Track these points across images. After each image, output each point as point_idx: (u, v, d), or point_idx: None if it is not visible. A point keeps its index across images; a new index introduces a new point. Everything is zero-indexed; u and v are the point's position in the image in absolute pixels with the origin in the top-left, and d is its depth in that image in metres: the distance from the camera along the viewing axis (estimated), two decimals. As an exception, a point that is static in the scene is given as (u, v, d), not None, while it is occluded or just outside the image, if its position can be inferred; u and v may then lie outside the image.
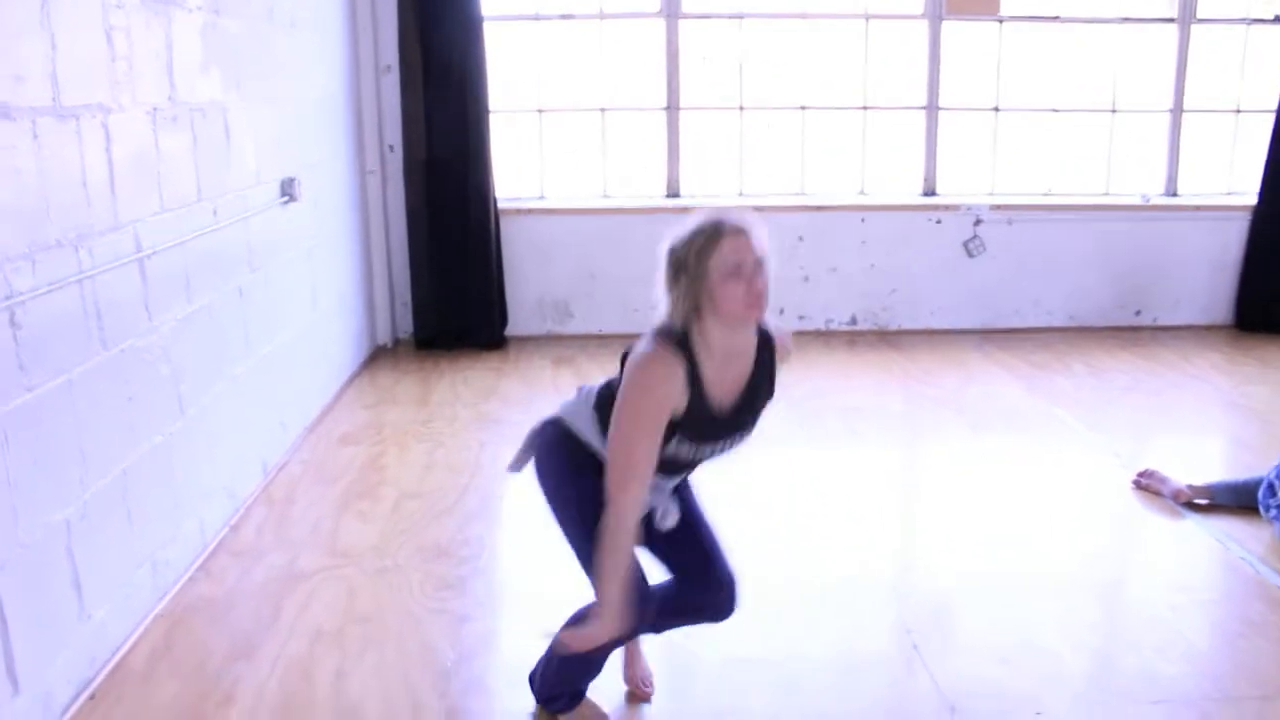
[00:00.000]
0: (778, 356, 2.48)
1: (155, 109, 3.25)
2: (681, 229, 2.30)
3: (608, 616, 2.31)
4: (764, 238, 2.29)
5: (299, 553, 3.61)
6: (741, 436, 2.46)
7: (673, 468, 2.46)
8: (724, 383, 2.35)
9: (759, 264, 2.26)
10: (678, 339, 2.29)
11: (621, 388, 2.31)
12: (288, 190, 4.46)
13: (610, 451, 2.32)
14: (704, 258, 2.24)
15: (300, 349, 4.69)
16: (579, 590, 3.35)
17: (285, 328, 4.48)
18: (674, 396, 2.28)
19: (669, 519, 2.51)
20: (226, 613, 3.24)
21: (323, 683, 2.85)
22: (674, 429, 2.31)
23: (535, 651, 2.97)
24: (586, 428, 2.50)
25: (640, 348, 2.32)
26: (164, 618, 3.18)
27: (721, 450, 2.46)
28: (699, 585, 2.55)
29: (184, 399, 3.44)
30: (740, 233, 2.26)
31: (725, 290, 2.23)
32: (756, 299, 2.26)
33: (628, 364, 2.33)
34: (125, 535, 3.04)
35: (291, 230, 4.58)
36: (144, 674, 2.90)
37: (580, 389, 2.61)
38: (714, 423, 2.37)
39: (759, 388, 2.43)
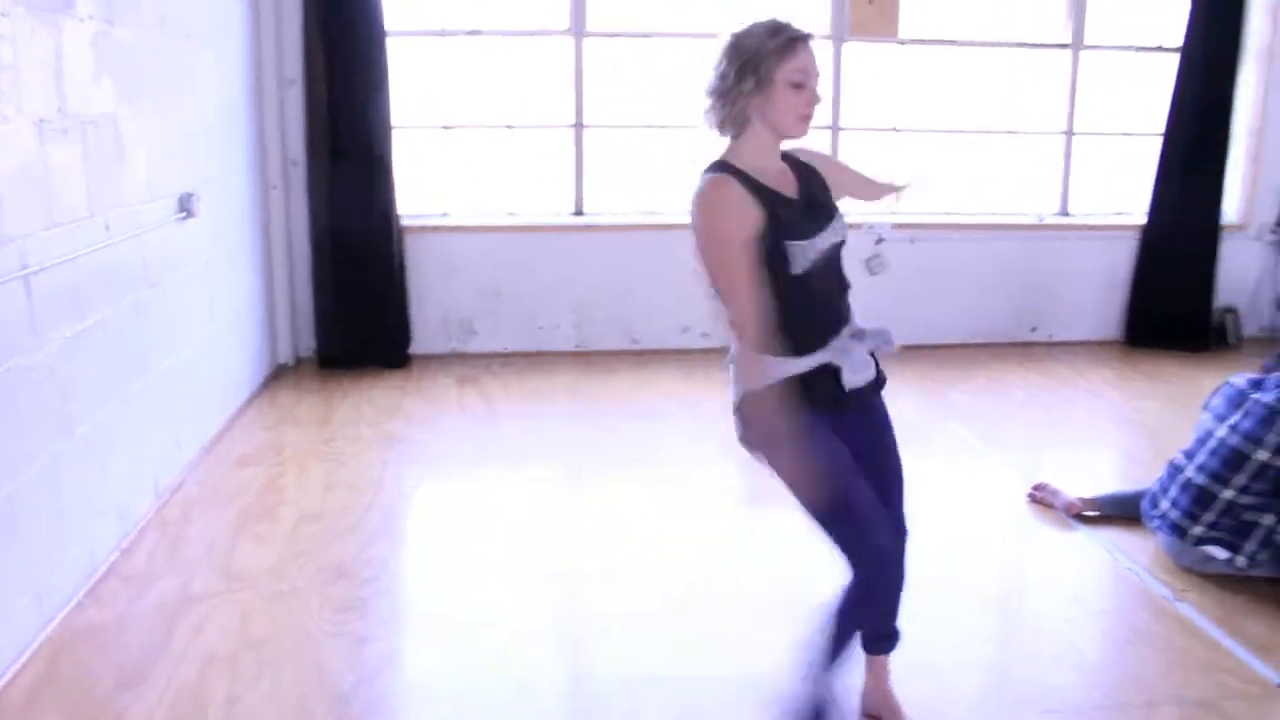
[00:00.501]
0: (816, 162, 2.49)
1: (43, 120, 3.16)
2: (752, 26, 2.31)
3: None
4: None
5: (192, 576, 3.53)
6: (833, 219, 2.40)
7: (821, 294, 2.41)
8: (777, 178, 2.37)
9: (818, 79, 2.30)
10: (716, 165, 2.33)
11: (696, 234, 2.30)
12: (185, 205, 4.36)
13: (721, 299, 2.31)
14: (776, 62, 2.25)
15: (198, 367, 4.59)
16: (483, 609, 3.34)
17: (182, 345, 4.38)
18: (745, 209, 2.27)
19: (860, 370, 2.46)
20: (115, 639, 3.14)
21: (215, 709, 2.78)
22: (776, 238, 2.28)
23: (438, 670, 2.95)
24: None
25: (693, 194, 2.33)
26: (49, 646, 3.07)
27: (830, 240, 2.37)
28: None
29: (73, 418, 3.34)
30: (809, 42, 2.29)
31: (786, 99, 2.26)
32: (809, 114, 2.30)
33: (691, 212, 2.33)
34: (7, 561, 2.94)
35: (189, 246, 4.49)
36: (25, 705, 2.80)
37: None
38: (798, 209, 2.35)
39: (811, 181, 2.43)
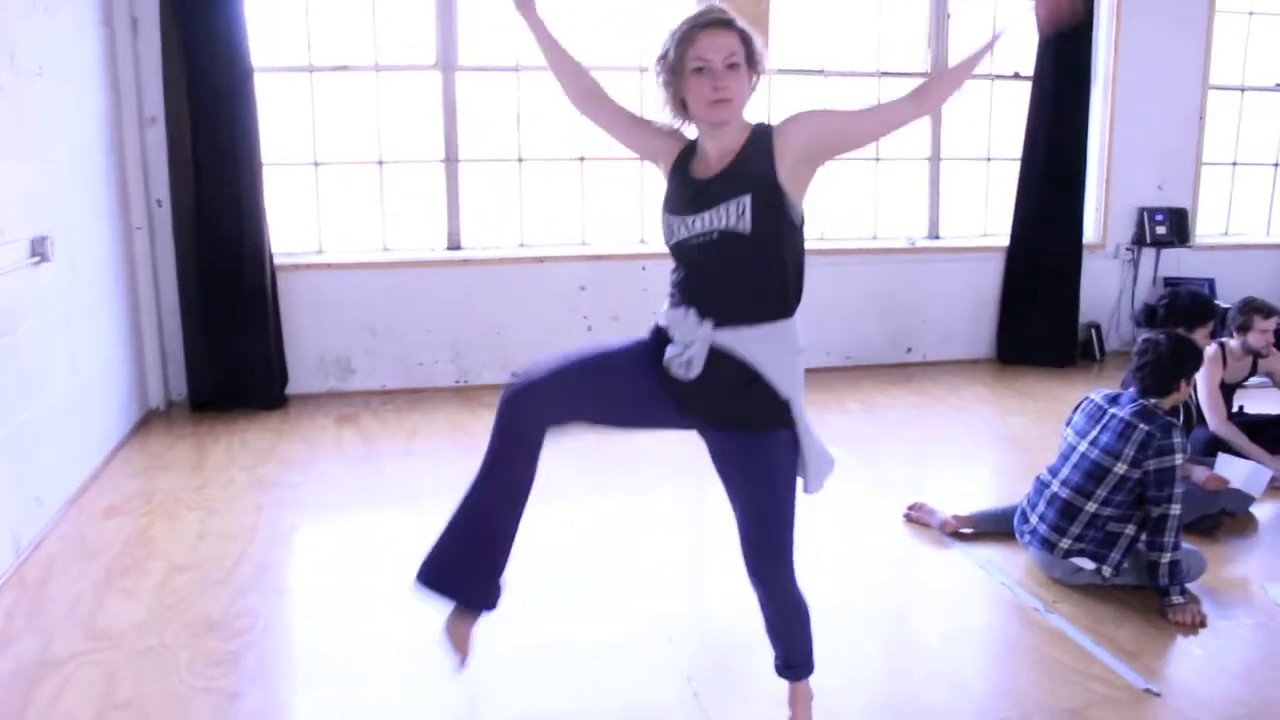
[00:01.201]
0: (774, 135, 2.36)
1: (-123, 167, 3.02)
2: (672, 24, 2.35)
3: None
4: (752, 39, 2.34)
5: (53, 637, 3.37)
6: (720, 207, 2.31)
7: (696, 270, 2.39)
8: (707, 164, 2.39)
9: (732, 64, 2.29)
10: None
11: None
12: (39, 250, 4.20)
13: None
14: (679, 54, 2.30)
15: (59, 418, 4.41)
16: (363, 656, 3.26)
17: (39, 395, 4.21)
18: (668, 137, 2.46)
19: (691, 368, 2.36)
20: (-32, 709, 2.99)
21: (76, 777, 2.66)
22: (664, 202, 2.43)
23: (310, 726, 2.87)
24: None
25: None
26: (-105, 719, 2.91)
27: (706, 225, 2.32)
28: None
29: (-83, 478, 3.18)
30: (717, 27, 2.30)
31: (693, 86, 2.30)
32: (720, 99, 2.29)
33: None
34: None
35: (45, 292, 4.32)
36: None
37: None
38: (690, 188, 2.38)
39: (745, 163, 2.35)
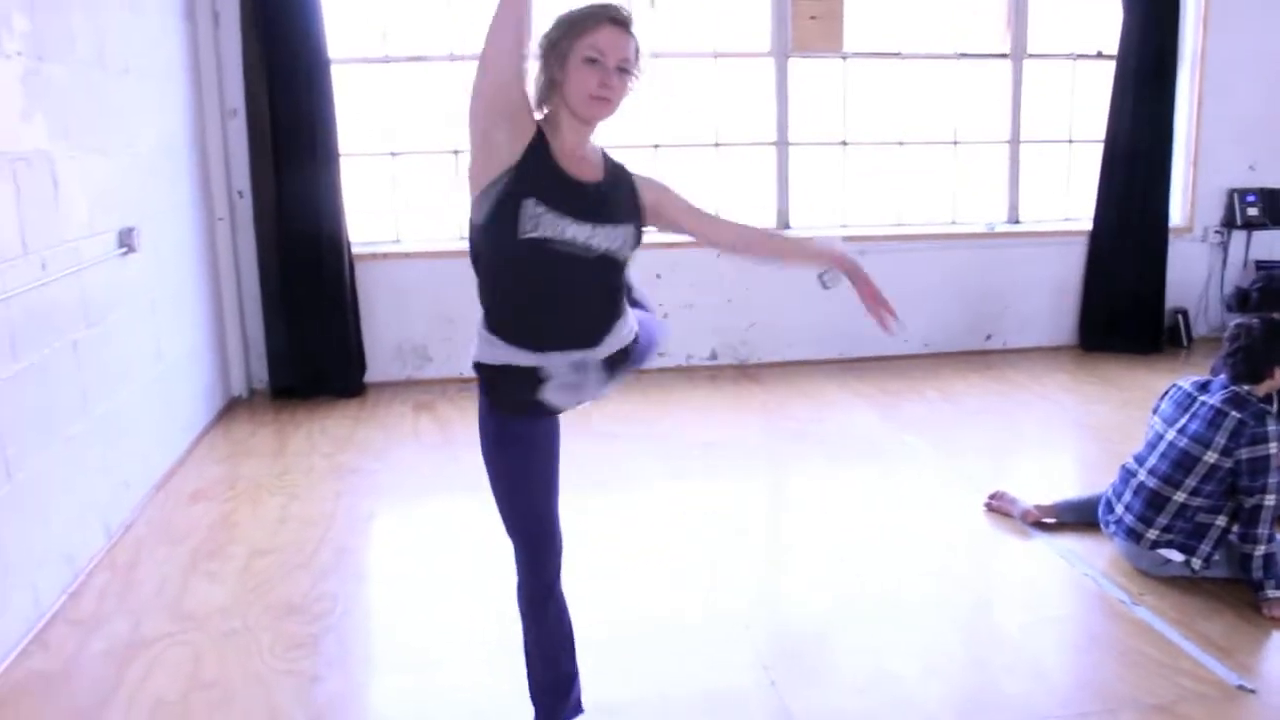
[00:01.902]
0: (635, 180, 2.37)
1: (-29, 161, 3.11)
2: (573, 7, 2.22)
3: None
4: (645, 47, 2.24)
5: (142, 618, 3.46)
6: (616, 226, 2.25)
7: (557, 291, 2.23)
8: (574, 160, 2.24)
9: (624, 67, 2.19)
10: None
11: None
12: (126, 241, 4.30)
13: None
14: (573, 36, 2.16)
15: (146, 404, 4.52)
16: (439, 641, 3.30)
17: (128, 383, 4.31)
18: (527, 115, 2.19)
19: (571, 396, 2.35)
20: (62, 687, 3.07)
21: (164, 756, 2.73)
22: (523, 188, 2.16)
23: (391, 707, 2.90)
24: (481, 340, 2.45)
25: None
26: (-7, 697, 3.00)
27: (586, 243, 2.20)
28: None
29: (11, 463, 3.26)
30: (622, 27, 2.20)
31: (578, 74, 2.16)
32: (602, 96, 2.17)
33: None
34: (-54, 611, 2.87)
35: (132, 282, 4.42)
36: (-32, 759, 2.74)
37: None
38: (569, 191, 2.20)
39: (617, 187, 2.32)
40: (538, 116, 2.23)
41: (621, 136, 6.37)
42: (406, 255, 6.21)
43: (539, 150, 2.20)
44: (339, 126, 5.84)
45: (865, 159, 6.76)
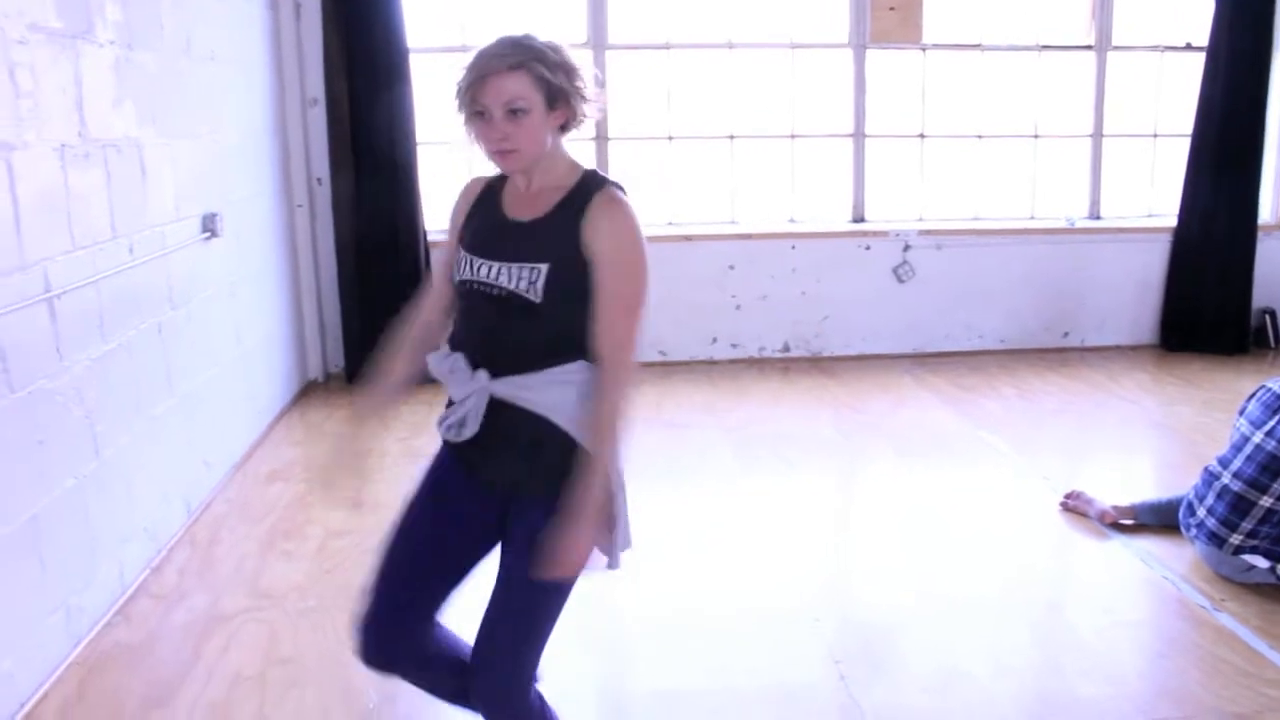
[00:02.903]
0: (589, 209, 2.03)
1: (64, 145, 3.19)
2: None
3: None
4: (554, 71, 2.02)
5: (221, 594, 3.54)
6: (518, 265, 2.02)
7: (472, 319, 2.11)
8: (520, 199, 2.10)
9: (516, 109, 1.98)
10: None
11: (632, 263, 2.04)
12: (209, 225, 4.39)
13: (630, 350, 2.04)
14: (460, 98, 2.02)
15: (225, 386, 4.61)
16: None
17: (209, 365, 4.40)
18: (462, 205, 2.19)
19: (466, 427, 2.07)
20: (144, 659, 3.15)
21: (241, 730, 2.78)
22: (464, 239, 2.14)
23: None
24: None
25: (620, 212, 2.06)
26: (78, 666, 3.08)
27: (492, 279, 2.03)
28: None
29: (100, 440, 3.35)
30: (496, 73, 1.97)
31: (475, 131, 2.03)
32: (501, 148, 2.00)
33: (622, 237, 2.04)
34: (36, 582, 2.96)
35: (214, 266, 4.51)
36: (54, 726, 2.82)
37: None
38: (492, 231, 2.09)
39: (551, 226, 2.04)
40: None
41: (697, 128, 6.41)
42: (481, 243, 6.25)
43: (486, 194, 2.17)
44: (417, 115, 5.90)
45: (943, 152, 6.68)
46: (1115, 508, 4.02)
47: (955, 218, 6.67)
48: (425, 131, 6.00)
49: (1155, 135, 6.80)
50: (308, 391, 5.98)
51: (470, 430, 2.06)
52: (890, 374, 6.19)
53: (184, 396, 4.09)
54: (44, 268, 3.03)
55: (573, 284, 2.01)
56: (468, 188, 2.23)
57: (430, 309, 2.33)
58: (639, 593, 3.57)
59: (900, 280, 6.41)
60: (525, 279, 2.00)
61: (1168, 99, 6.75)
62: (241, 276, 4.91)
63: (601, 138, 6.29)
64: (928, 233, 6.46)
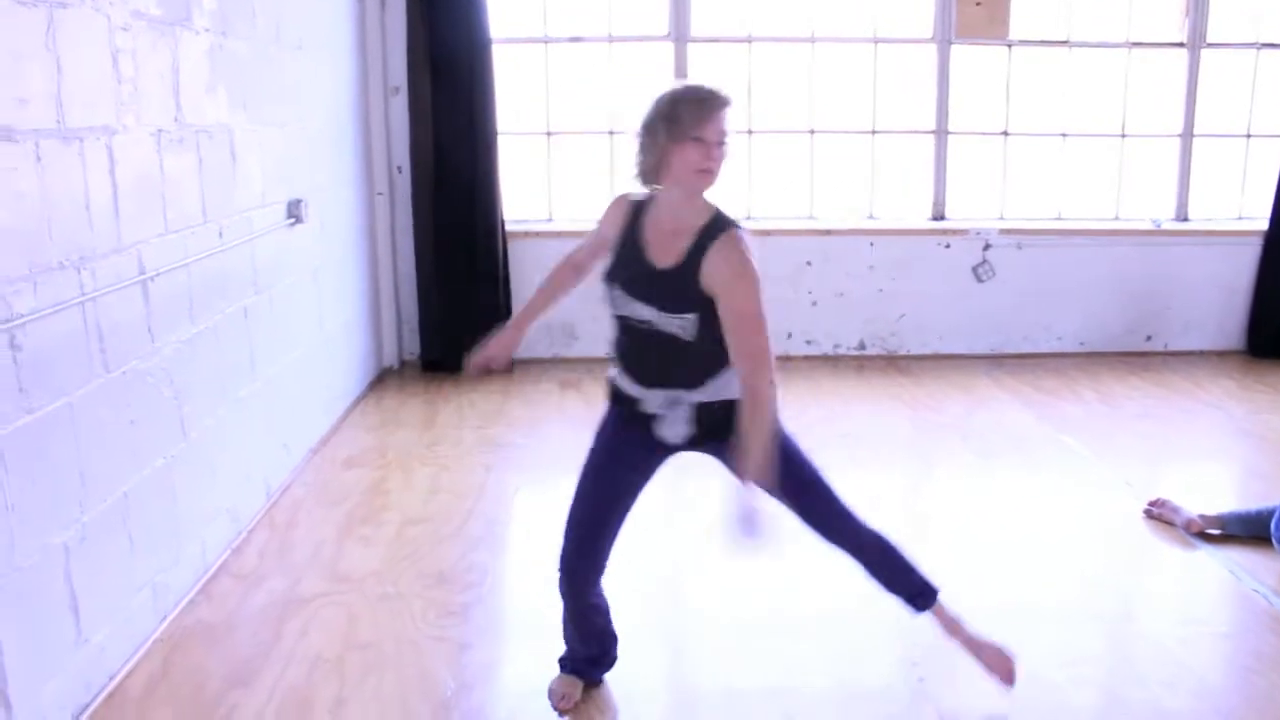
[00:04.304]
0: (716, 246, 2.45)
1: (160, 130, 3.25)
2: (675, 85, 2.48)
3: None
4: (734, 118, 2.46)
5: (300, 577, 3.59)
6: (660, 304, 2.47)
7: (637, 343, 2.57)
8: (661, 238, 2.50)
9: (723, 140, 2.42)
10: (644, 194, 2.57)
11: (756, 289, 2.47)
12: (294, 212, 4.45)
13: (765, 351, 2.50)
14: (690, 121, 2.39)
15: (305, 371, 4.68)
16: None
17: (290, 349, 4.47)
18: (614, 217, 2.61)
19: (673, 429, 2.58)
20: (225, 638, 3.21)
21: (321, 711, 2.82)
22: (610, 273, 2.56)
23: (537, 680, 2.95)
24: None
25: (730, 249, 2.46)
26: (163, 642, 3.15)
27: (643, 315, 2.50)
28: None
29: (186, 421, 3.42)
30: (722, 105, 2.42)
31: (684, 153, 2.40)
32: (708, 169, 2.42)
33: (735, 268, 2.46)
34: (125, 558, 3.02)
35: (298, 252, 4.57)
36: (140, 700, 2.87)
37: None
38: (637, 267, 2.51)
39: (684, 277, 2.46)
40: (642, 191, 2.56)
41: (778, 122, 6.36)
42: (558, 234, 6.27)
43: (631, 227, 2.56)
44: (497, 105, 5.93)
45: (1027, 150, 6.56)
46: (1202, 516, 3.92)
47: (1037, 217, 6.56)
48: (505, 122, 6.02)
49: (1248, 135, 6.61)
50: (383, 378, 6.04)
51: (688, 431, 2.58)
52: (967, 374, 6.11)
53: (266, 380, 4.16)
54: (139, 250, 3.09)
55: (704, 321, 2.47)
56: (617, 202, 2.64)
57: (569, 264, 2.91)
58: (714, 589, 3.56)
59: (979, 279, 6.32)
60: (678, 325, 2.46)
61: (1262, 98, 6.56)
62: (323, 263, 4.98)
63: (680, 130, 6.26)
64: (1008, 231, 6.35)
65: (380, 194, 6.03)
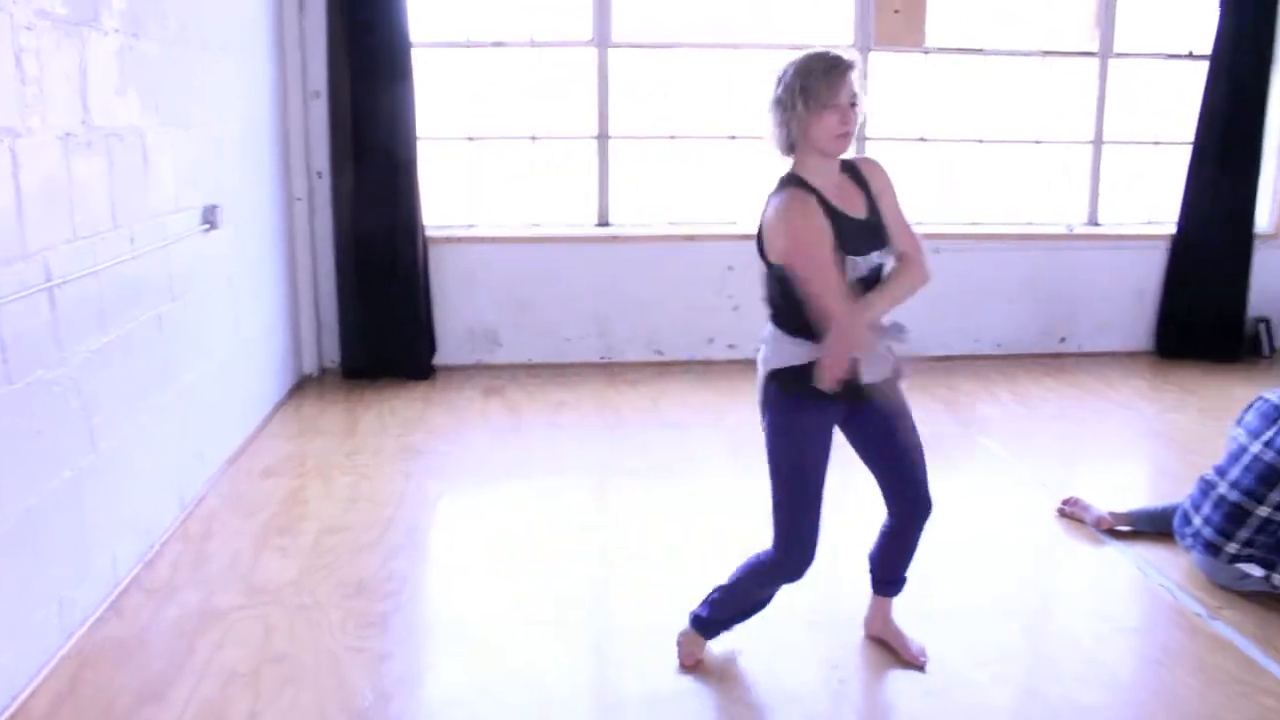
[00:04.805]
0: (869, 178, 2.70)
1: (68, 134, 3.17)
2: (798, 59, 2.59)
3: (841, 328, 2.56)
4: (859, 79, 2.58)
5: (215, 590, 3.52)
6: (882, 243, 2.68)
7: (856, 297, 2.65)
8: (844, 198, 2.65)
9: (854, 100, 2.55)
10: (793, 180, 2.63)
11: (782, 245, 2.60)
12: (209, 217, 4.37)
13: (811, 298, 2.57)
14: (810, 90, 2.52)
15: (222, 379, 4.59)
16: (506, 624, 3.31)
17: (206, 358, 4.38)
18: (823, 225, 2.59)
19: (876, 370, 2.70)
20: (136, 653, 3.13)
21: (236, 726, 2.77)
22: (837, 251, 2.61)
23: (457, 688, 2.93)
24: (785, 348, 2.73)
25: (770, 205, 2.64)
26: (70, 660, 3.06)
27: (879, 260, 2.69)
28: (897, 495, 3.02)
29: (96, 432, 3.33)
30: (848, 70, 2.55)
31: (821, 121, 2.54)
32: (846, 133, 2.56)
33: (765, 225, 2.64)
34: (29, 574, 2.94)
35: (213, 258, 4.49)
36: None
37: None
38: (861, 228, 2.65)
39: (874, 211, 2.68)
40: (789, 160, 2.66)
41: (699, 127, 6.38)
42: (480, 240, 6.25)
43: (833, 219, 2.61)
44: (418, 111, 5.88)
45: (944, 156, 6.67)
46: (1112, 514, 4.02)
47: (954, 222, 6.67)
48: (427, 127, 5.98)
49: (1156, 143, 6.80)
50: (303, 386, 5.96)
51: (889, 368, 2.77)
52: (887, 377, 6.17)
53: (181, 389, 4.07)
54: (45, 257, 3.00)
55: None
56: (810, 206, 2.61)
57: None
58: (632, 594, 3.56)
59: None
60: (888, 255, 2.70)
61: (1168, 107, 6.75)
62: (240, 269, 4.89)
63: (603, 136, 6.28)
64: (926, 236, 6.42)
65: (299, 199, 5.94)
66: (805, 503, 2.83)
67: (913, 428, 2.93)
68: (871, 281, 2.69)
